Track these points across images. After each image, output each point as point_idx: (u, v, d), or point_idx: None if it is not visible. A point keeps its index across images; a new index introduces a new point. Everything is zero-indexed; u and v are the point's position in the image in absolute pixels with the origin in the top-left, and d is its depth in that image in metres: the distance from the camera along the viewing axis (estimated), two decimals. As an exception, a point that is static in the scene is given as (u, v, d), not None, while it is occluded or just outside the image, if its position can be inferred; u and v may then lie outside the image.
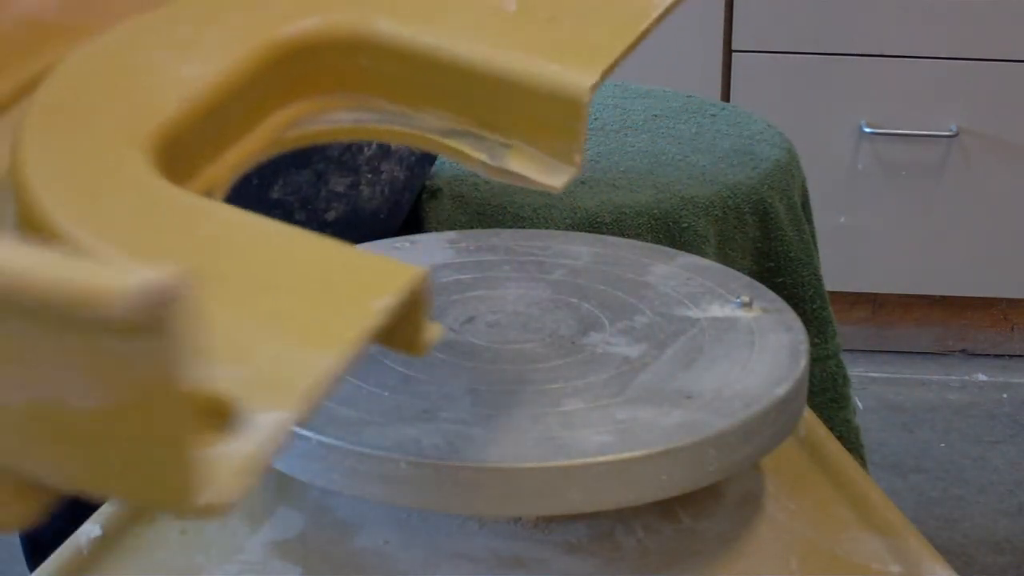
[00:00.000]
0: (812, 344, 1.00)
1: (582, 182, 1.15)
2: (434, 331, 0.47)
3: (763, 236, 1.19)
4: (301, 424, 0.59)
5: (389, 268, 0.45)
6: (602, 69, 0.57)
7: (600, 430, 0.65)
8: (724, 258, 1.15)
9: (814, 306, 1.21)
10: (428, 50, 0.58)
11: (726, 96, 1.92)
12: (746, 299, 0.77)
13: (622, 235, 1.07)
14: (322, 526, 0.71)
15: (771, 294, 0.78)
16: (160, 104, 0.52)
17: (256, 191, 0.88)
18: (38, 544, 1.09)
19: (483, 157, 0.59)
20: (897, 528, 0.72)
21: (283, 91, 0.58)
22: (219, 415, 0.37)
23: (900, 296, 2.01)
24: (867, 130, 1.91)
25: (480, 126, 0.59)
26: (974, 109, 1.91)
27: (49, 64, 0.54)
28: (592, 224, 1.11)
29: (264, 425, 0.36)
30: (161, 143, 0.50)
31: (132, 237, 0.46)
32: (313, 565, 0.69)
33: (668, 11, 0.60)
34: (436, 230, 1.09)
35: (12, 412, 0.36)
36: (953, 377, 1.99)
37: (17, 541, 1.14)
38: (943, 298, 2.02)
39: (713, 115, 1.32)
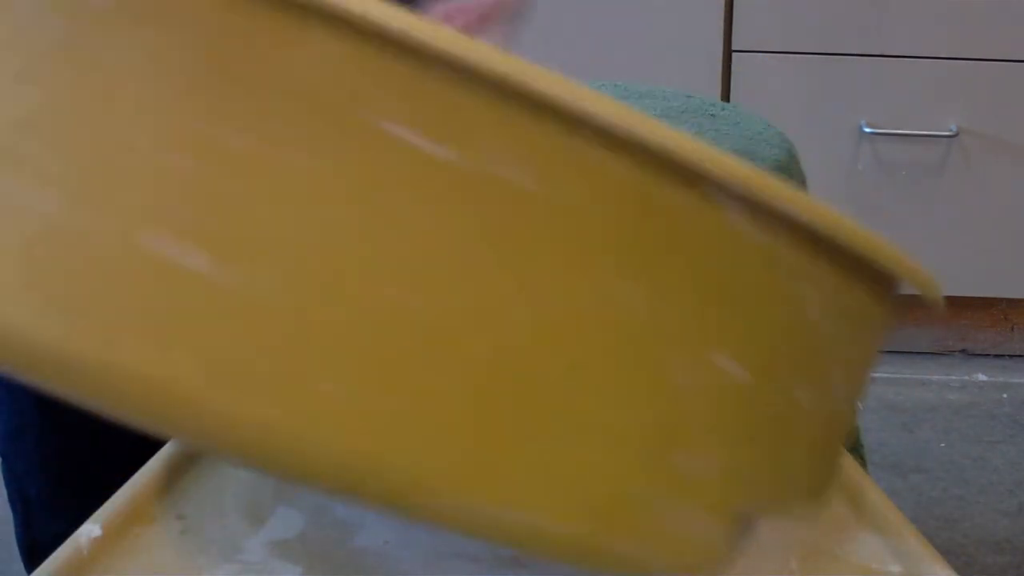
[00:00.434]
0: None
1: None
2: None
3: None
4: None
5: None
6: None
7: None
8: (724, 258, 1.15)
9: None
10: None
11: (726, 96, 1.92)
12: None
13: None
14: (322, 526, 0.71)
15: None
16: None
17: None
18: (36, 547, 1.09)
19: None
20: (897, 528, 0.72)
21: None
22: None
23: (900, 296, 2.01)
24: (867, 130, 1.91)
25: None
26: (974, 109, 1.91)
27: None
28: (592, 224, 1.11)
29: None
30: None
31: None
32: (313, 565, 0.69)
33: None
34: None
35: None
36: (953, 377, 1.99)
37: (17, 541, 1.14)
38: (943, 298, 2.02)
39: (713, 115, 1.32)
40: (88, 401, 0.39)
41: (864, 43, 1.89)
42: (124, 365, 0.35)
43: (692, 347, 0.38)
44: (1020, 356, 2.05)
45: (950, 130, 1.91)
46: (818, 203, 0.38)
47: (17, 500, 1.11)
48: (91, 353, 0.35)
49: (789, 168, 1.23)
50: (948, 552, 1.63)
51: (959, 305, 2.03)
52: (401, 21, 0.33)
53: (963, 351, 2.04)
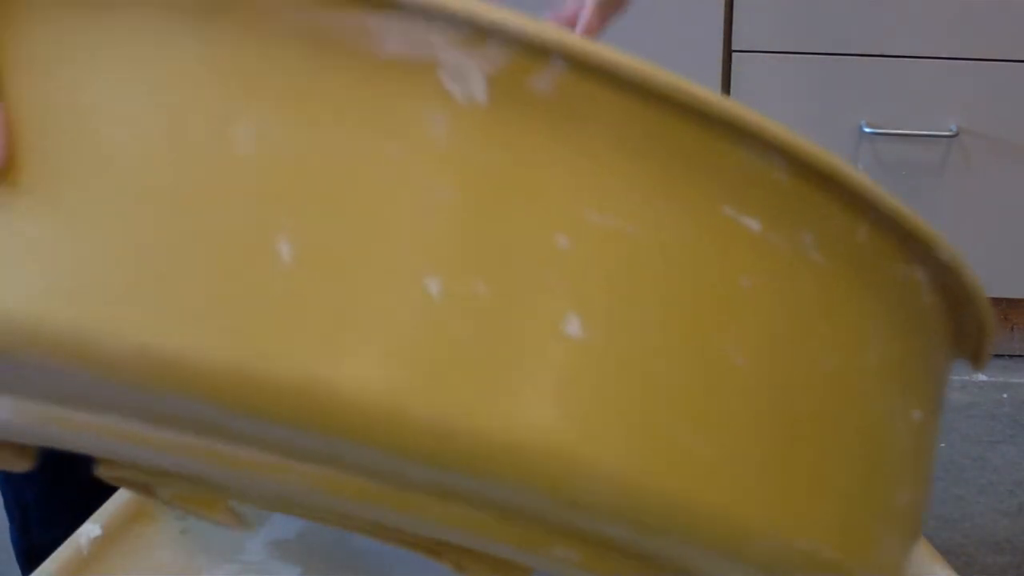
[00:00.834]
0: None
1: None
2: None
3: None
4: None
5: None
6: None
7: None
8: (724, 258, 1.15)
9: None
10: None
11: (726, 96, 1.92)
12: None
13: (622, 235, 1.07)
14: (321, 527, 0.71)
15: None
16: None
17: None
18: (34, 553, 1.09)
19: None
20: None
21: None
22: None
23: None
24: (867, 130, 1.91)
25: None
26: (974, 109, 1.91)
27: None
28: (592, 224, 1.10)
29: None
30: None
31: None
32: (313, 565, 0.69)
33: None
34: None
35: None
36: (953, 377, 1.98)
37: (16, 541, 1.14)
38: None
39: (713, 115, 1.32)
40: (475, 482, 0.41)
41: (864, 43, 1.89)
42: (520, 437, 0.39)
43: (913, 391, 0.47)
44: (1020, 356, 2.04)
45: (950, 130, 1.91)
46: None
47: (14, 507, 1.11)
48: (495, 433, 0.38)
49: (789, 168, 1.23)
50: (948, 552, 1.63)
51: (959, 305, 2.03)
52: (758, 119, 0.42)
53: (963, 351, 2.04)
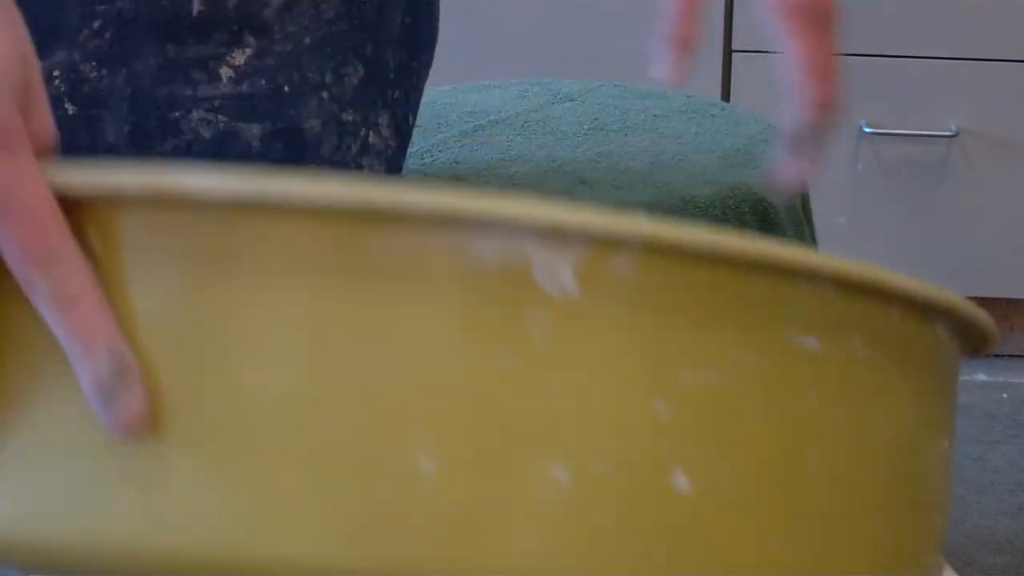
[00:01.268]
0: (812, 344, 1.00)
1: (582, 182, 1.15)
2: None
3: (763, 236, 1.18)
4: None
5: None
6: None
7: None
8: (724, 258, 1.15)
9: (814, 306, 1.21)
10: None
11: (726, 96, 1.92)
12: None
13: (622, 235, 1.07)
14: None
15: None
16: None
17: None
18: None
19: None
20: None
21: None
22: None
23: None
24: (867, 130, 1.91)
25: None
26: (974, 109, 1.91)
27: None
28: (592, 224, 1.10)
29: None
30: None
31: None
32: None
33: None
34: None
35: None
36: (953, 377, 1.99)
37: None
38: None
39: (713, 115, 1.32)
40: None
41: (864, 43, 1.89)
42: None
43: (940, 424, 0.52)
44: (1020, 356, 2.05)
45: (950, 130, 1.91)
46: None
47: None
48: None
49: (789, 168, 1.23)
50: (948, 552, 1.63)
51: (959, 305, 2.03)
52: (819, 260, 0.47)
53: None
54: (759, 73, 1.90)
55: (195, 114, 0.85)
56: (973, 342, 0.54)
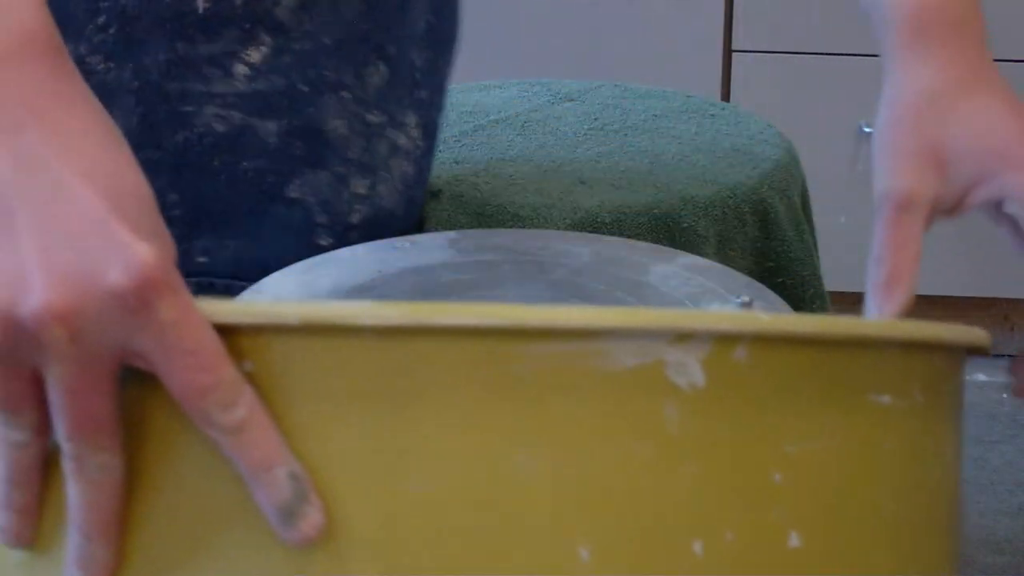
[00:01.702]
0: (812, 344, 1.00)
1: (582, 182, 1.15)
2: None
3: (763, 236, 1.18)
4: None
5: None
6: None
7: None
8: (724, 258, 1.15)
9: (814, 306, 1.21)
10: None
11: (726, 96, 1.92)
12: (746, 299, 0.77)
13: (622, 235, 1.07)
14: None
15: (771, 294, 0.78)
16: None
17: (271, 187, 0.88)
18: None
19: None
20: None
21: None
22: None
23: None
24: (867, 130, 1.91)
25: None
26: (974, 109, 1.91)
27: None
28: (592, 224, 1.11)
29: None
30: None
31: None
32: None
33: None
34: (436, 230, 1.09)
35: None
36: (953, 377, 1.99)
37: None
38: (943, 298, 2.02)
39: (713, 115, 1.32)
40: None
41: (864, 43, 1.89)
42: None
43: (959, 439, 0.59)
44: (1020, 356, 2.04)
45: (950, 130, 1.91)
46: None
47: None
48: None
49: (789, 168, 1.23)
50: (948, 552, 1.63)
51: (959, 305, 2.03)
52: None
53: (963, 351, 2.04)
54: (759, 73, 1.90)
55: (208, 109, 0.84)
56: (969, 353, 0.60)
